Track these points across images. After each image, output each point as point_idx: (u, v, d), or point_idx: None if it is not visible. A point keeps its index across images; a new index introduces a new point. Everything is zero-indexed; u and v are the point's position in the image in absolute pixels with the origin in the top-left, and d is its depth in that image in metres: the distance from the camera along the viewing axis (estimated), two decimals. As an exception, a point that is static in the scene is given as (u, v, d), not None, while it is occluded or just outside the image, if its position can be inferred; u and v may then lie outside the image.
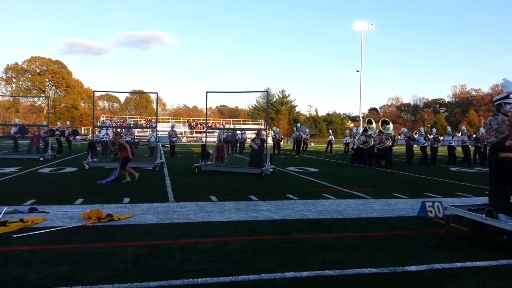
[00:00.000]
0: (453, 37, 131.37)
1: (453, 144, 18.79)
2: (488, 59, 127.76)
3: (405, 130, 20.07)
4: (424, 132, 19.55)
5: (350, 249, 4.79)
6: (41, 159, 16.71)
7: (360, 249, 4.78)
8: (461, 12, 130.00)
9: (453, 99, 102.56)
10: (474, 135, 20.41)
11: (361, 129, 19.70)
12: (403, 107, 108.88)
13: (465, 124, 75.70)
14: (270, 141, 28.51)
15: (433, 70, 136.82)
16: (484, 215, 4.97)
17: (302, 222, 6.21)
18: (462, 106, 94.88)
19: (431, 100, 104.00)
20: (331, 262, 4.30)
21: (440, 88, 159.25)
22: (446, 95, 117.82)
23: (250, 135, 38.91)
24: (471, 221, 5.31)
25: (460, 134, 19.35)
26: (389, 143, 17.13)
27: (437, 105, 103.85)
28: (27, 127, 24.77)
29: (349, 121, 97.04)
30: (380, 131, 17.98)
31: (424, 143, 18.41)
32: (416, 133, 21.09)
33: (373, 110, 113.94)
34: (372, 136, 17.20)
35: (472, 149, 19.63)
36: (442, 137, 20.01)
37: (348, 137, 30.49)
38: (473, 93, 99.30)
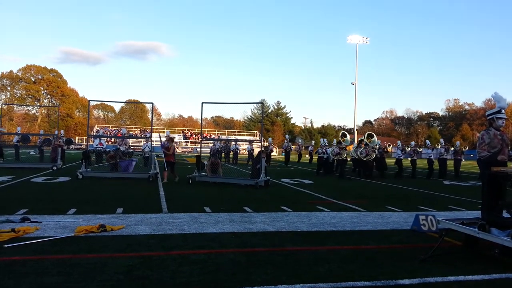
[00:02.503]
0: (447, 51, 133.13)
1: (432, 157, 18.99)
2: (481, 74, 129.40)
3: (378, 142, 20.27)
4: (401, 145, 19.79)
5: (343, 262, 4.79)
6: (54, 168, 16.75)
7: (353, 262, 4.78)
8: (455, 27, 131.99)
9: (447, 113, 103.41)
10: (452, 148, 20.67)
11: (335, 141, 20.09)
12: (397, 120, 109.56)
13: (459, 138, 76.32)
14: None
15: (427, 84, 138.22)
16: (476, 229, 5.00)
17: (296, 234, 6.20)
18: (456, 120, 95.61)
19: (425, 113, 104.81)
20: (324, 275, 4.29)
21: (434, 102, 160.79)
22: (439, 108, 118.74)
23: (244, 145, 38.94)
24: (464, 235, 5.33)
25: (439, 147, 19.53)
26: (374, 155, 17.50)
27: (431, 119, 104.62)
28: (29, 136, 24.82)
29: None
30: (366, 144, 18.45)
31: (401, 156, 18.57)
32: (389, 145, 21.29)
33: (367, 123, 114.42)
34: (345, 149, 17.84)
35: (451, 162, 19.91)
36: (420, 149, 20.20)
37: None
38: (466, 107, 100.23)
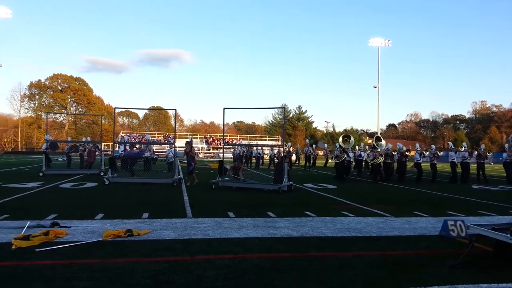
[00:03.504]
0: (473, 52, 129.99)
1: (455, 160, 18.50)
2: (509, 75, 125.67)
3: (400, 145, 19.94)
4: (420, 149, 19.39)
5: (370, 268, 4.71)
6: (102, 173, 17.35)
7: (380, 268, 4.70)
8: (480, 28, 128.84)
9: (474, 115, 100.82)
10: (476, 152, 20.08)
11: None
12: (422, 123, 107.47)
13: (487, 141, 74.27)
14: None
15: (453, 86, 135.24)
16: (509, 235, 4.84)
17: (321, 239, 6.14)
18: (483, 123, 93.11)
19: (451, 116, 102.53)
20: (350, 281, 4.23)
21: (460, 104, 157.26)
22: (466, 111, 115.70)
23: (267, 150, 38.85)
24: (495, 240, 5.17)
25: (462, 149, 18.94)
26: (382, 159, 17.48)
27: (457, 122, 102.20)
28: (57, 143, 25.71)
29: (367, 137, 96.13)
30: (373, 147, 18.30)
31: (419, 160, 18.17)
32: (408, 150, 20.81)
33: (391, 126, 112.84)
34: (346, 152, 18.02)
35: (474, 166, 19.35)
36: (441, 153, 19.66)
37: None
38: (494, 109, 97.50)
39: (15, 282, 3.98)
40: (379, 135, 20.51)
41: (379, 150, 17.91)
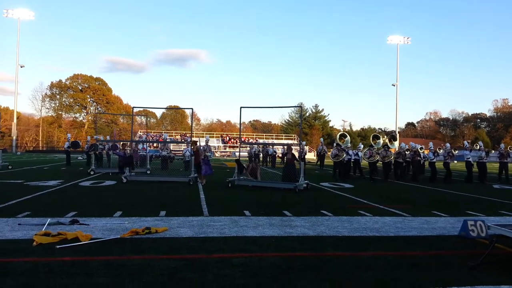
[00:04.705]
0: (493, 50, 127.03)
1: (470, 159, 18.08)
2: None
3: (413, 144, 19.64)
4: (433, 148, 19.06)
5: (388, 268, 4.66)
6: (148, 172, 17.54)
7: (398, 269, 4.64)
8: (501, 26, 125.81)
9: (495, 113, 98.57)
10: (493, 151, 19.60)
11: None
12: (441, 122, 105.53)
13: (509, 139, 72.57)
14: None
15: (473, 84, 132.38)
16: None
17: (337, 239, 6.11)
18: (505, 121, 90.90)
19: (471, 114, 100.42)
20: (368, 281, 4.19)
21: (481, 103, 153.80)
22: (487, 109, 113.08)
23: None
24: (518, 241, 5.05)
25: (478, 148, 18.44)
26: (378, 157, 17.51)
27: (478, 120, 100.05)
28: (79, 142, 26.34)
29: (385, 136, 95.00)
30: (370, 145, 18.23)
31: (433, 159, 17.84)
32: (421, 148, 20.39)
33: (410, 125, 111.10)
34: (345, 150, 17.74)
35: (496, 165, 18.89)
36: (456, 152, 19.22)
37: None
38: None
39: (38, 278, 4.08)
40: (377, 133, 20.29)
41: (375, 148, 17.84)
